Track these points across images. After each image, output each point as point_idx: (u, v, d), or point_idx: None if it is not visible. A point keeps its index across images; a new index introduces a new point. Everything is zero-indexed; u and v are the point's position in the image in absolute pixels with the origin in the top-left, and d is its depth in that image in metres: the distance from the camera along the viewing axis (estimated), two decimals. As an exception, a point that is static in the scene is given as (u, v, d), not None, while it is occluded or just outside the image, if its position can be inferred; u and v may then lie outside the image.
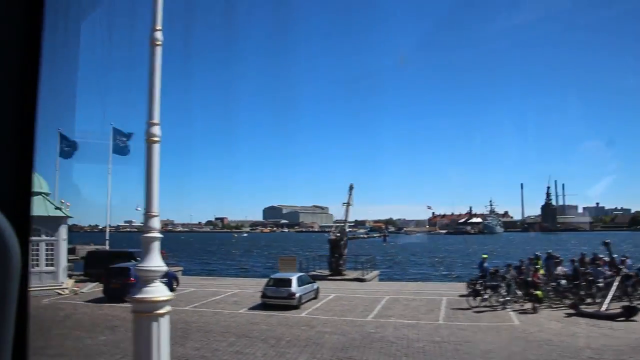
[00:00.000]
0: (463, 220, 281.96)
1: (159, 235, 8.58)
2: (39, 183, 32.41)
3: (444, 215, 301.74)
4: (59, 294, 27.20)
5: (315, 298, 24.92)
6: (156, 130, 8.44)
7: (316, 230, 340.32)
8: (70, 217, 30.18)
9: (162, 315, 8.37)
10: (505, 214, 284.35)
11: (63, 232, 28.64)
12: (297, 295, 22.94)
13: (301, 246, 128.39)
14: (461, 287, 25.57)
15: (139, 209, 36.73)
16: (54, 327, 18.18)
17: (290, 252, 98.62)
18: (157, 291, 8.38)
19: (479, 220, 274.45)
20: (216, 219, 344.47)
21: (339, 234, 37.62)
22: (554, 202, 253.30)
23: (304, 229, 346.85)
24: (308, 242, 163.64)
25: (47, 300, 24.74)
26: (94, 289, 28.71)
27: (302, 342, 16.47)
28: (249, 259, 79.29)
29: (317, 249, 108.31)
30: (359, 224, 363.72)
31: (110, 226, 41.51)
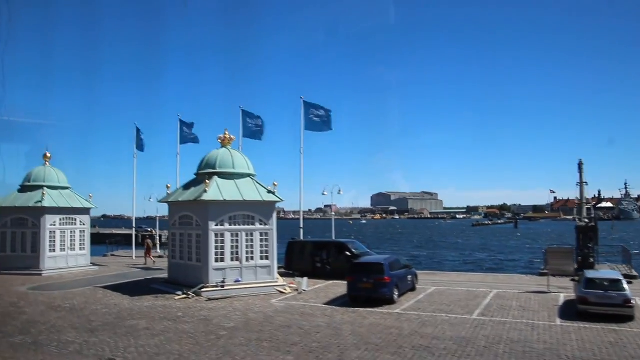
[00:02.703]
0: (591, 205, 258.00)
1: None
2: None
3: (567, 200, 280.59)
4: (282, 292, 22.01)
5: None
6: None
7: (428, 217, 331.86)
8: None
9: None
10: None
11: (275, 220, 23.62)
12: (633, 301, 16.21)
13: (442, 233, 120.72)
14: None
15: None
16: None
17: (445, 239, 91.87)
18: None
19: (609, 205, 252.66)
20: (325, 206, 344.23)
21: (587, 220, 30.09)
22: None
23: (415, 216, 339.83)
24: (440, 228, 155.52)
25: (276, 300, 19.63)
26: (313, 286, 23.38)
27: None
28: (423, 249, 72.66)
29: (507, 237, 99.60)
30: (471, 210, 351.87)
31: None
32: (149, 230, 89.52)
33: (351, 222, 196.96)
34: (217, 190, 21.58)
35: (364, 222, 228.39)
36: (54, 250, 29.15)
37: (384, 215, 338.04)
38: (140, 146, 38.56)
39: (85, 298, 21.02)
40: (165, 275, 27.50)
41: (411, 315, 16.99)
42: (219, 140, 24.13)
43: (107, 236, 58.40)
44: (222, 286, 21.21)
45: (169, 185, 24.47)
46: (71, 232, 30.11)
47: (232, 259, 21.71)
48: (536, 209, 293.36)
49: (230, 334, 14.79)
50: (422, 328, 15.16)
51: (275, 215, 23.04)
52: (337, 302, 19.72)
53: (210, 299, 20.35)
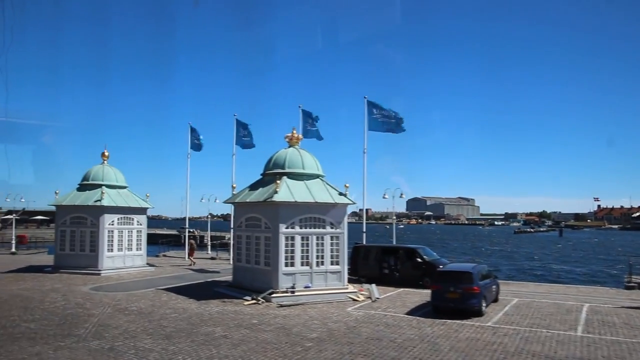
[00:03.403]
0: (638, 214, 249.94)
1: None
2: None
3: (612, 209, 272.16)
4: (354, 300, 20.82)
5: None
6: None
7: (465, 222, 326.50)
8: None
9: None
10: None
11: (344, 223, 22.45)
12: None
13: (485, 240, 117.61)
14: None
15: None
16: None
17: (505, 247, 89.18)
18: None
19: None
20: (360, 210, 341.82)
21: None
22: None
23: (451, 221, 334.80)
24: (480, 234, 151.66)
25: (352, 308, 18.42)
26: (384, 294, 22.07)
27: None
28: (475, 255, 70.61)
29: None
30: (509, 216, 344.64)
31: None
32: (192, 230, 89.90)
33: (388, 227, 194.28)
34: (287, 191, 20.56)
35: (401, 226, 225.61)
36: (111, 250, 28.63)
37: (420, 220, 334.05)
38: (195, 146, 37.85)
39: (150, 301, 20.23)
40: (223, 277, 26.74)
41: (507, 330, 15.56)
42: (286, 140, 23.12)
43: (158, 236, 58.18)
44: (292, 292, 20.16)
45: (234, 185, 23.58)
46: (128, 231, 29.58)
47: (302, 264, 20.59)
48: (578, 217, 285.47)
49: (318, 345, 13.66)
50: (527, 345, 13.77)
51: (346, 219, 21.84)
52: (418, 312, 18.41)
53: (281, 305, 19.31)
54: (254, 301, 19.67)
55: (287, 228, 20.38)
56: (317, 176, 22.26)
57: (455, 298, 17.43)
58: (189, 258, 35.30)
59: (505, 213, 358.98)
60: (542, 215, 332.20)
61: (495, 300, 20.14)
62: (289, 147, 23.00)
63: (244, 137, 34.62)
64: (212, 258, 39.24)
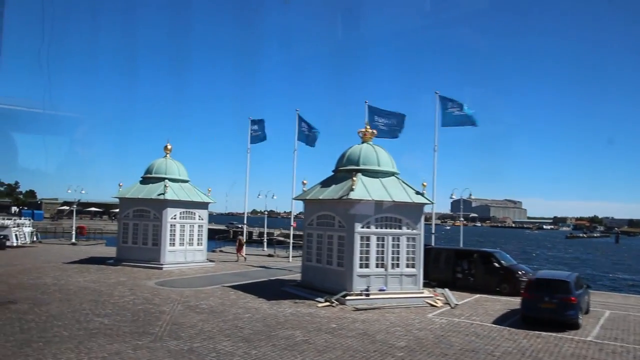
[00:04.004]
0: None
1: None
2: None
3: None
4: (432, 305, 19.62)
5: None
6: None
7: (512, 225, 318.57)
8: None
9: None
10: None
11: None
12: None
13: (536, 244, 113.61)
14: None
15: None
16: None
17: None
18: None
19: None
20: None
21: None
22: None
23: (497, 224, 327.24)
24: (530, 238, 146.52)
25: (433, 315, 17.18)
26: (460, 300, 20.77)
27: None
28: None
29: None
30: (558, 220, 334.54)
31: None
32: (240, 226, 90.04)
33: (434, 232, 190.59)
34: (363, 189, 19.51)
35: (447, 227, 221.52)
36: (173, 244, 28.23)
37: (465, 222, 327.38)
38: (256, 138, 37.13)
39: (219, 299, 19.55)
40: (287, 276, 25.98)
41: (615, 347, 14.13)
42: (360, 135, 22.06)
43: (213, 232, 58.17)
44: (367, 295, 19.11)
45: (305, 182, 22.64)
46: (190, 226, 29.12)
47: (376, 266, 19.51)
48: (632, 223, 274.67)
49: (410, 356, 12.64)
50: (646, 366, 12.27)
51: (423, 219, 20.63)
52: (505, 321, 17.09)
53: (357, 309, 18.30)
54: (327, 303, 18.72)
55: (362, 227, 19.36)
56: (392, 174, 21.15)
57: (551, 308, 16.01)
58: (237, 254, 34.47)
59: (554, 217, 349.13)
60: (594, 220, 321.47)
61: (587, 311, 18.57)
62: (362, 142, 21.93)
63: (305, 132, 33.70)
64: (270, 255, 38.57)
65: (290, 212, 39.05)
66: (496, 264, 23.04)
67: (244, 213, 40.31)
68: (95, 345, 12.49)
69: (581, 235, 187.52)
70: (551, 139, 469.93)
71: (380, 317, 17.32)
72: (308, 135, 33.23)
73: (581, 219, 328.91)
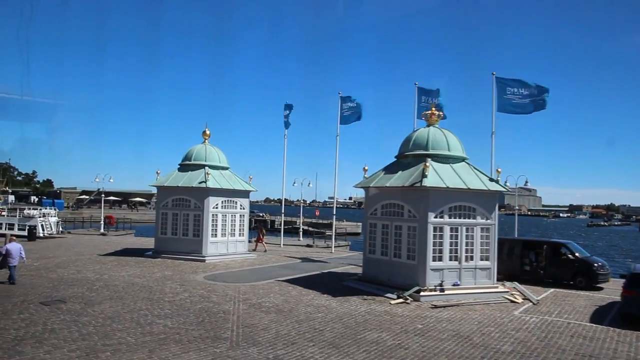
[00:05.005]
0: None
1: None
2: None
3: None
4: (512, 301, 18.03)
5: None
6: None
7: (527, 213, 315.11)
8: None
9: None
10: None
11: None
12: None
13: (559, 233, 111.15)
14: None
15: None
16: None
17: None
18: None
19: None
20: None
21: None
22: None
23: (512, 212, 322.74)
24: (550, 227, 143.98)
25: (519, 312, 15.57)
26: (535, 294, 19.10)
27: None
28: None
29: None
30: (574, 208, 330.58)
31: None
32: (261, 215, 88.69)
33: None
34: (436, 176, 17.87)
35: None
36: (215, 235, 26.77)
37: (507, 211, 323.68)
38: (286, 124, 35.44)
39: (280, 295, 18.10)
40: (337, 269, 24.54)
41: None
42: (424, 118, 20.37)
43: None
44: (442, 290, 17.50)
45: (366, 168, 21.00)
46: (232, 216, 27.63)
47: (450, 258, 17.91)
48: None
49: (530, 365, 10.95)
50: None
51: (497, 209, 18.95)
52: (602, 320, 15.60)
53: (435, 306, 16.72)
54: (400, 300, 17.17)
55: (435, 217, 17.73)
56: (462, 159, 19.48)
57: None
58: (257, 242, 32.83)
59: (570, 205, 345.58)
60: (610, 208, 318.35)
61: None
62: (427, 126, 20.23)
63: (346, 112, 32.00)
64: (308, 245, 37.06)
65: (305, 200, 37.50)
66: (570, 256, 21.36)
67: (260, 202, 38.71)
68: (169, 355, 11.02)
69: (602, 223, 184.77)
70: (563, 126, 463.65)
71: (464, 315, 15.79)
72: (352, 113, 31.57)
73: (597, 206, 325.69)
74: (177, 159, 28.74)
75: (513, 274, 21.85)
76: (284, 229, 38.95)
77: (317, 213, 72.96)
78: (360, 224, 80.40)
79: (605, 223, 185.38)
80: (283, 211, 39.11)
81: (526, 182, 29.47)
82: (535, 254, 22.29)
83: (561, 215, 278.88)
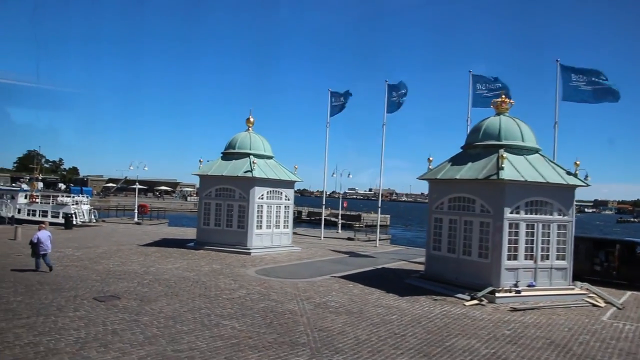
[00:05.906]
0: None
1: None
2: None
3: None
4: (594, 305, 16.74)
5: None
6: None
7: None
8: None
9: None
10: None
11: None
12: None
13: (587, 229, 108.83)
14: None
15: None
16: None
17: None
18: None
19: None
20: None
21: None
22: None
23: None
24: (578, 223, 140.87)
25: (607, 317, 14.29)
26: (617, 298, 17.74)
27: None
28: None
29: None
30: (599, 204, 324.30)
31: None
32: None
33: None
34: (512, 169, 16.56)
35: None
36: (260, 227, 25.73)
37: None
38: (334, 108, 34.24)
39: (343, 293, 17.04)
40: (386, 265, 23.42)
41: None
42: (493, 106, 19.03)
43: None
44: (518, 291, 16.25)
45: (430, 159, 19.72)
46: (277, 207, 26.59)
47: (525, 257, 16.63)
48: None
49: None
50: None
51: (574, 205, 17.57)
52: None
53: (514, 309, 15.49)
54: (475, 301, 15.93)
55: (511, 213, 16.45)
56: (536, 150, 18.14)
57: None
58: None
59: (595, 200, 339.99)
60: (637, 204, 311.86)
61: None
62: (497, 114, 18.88)
63: (394, 99, 30.83)
64: (350, 238, 35.95)
65: (324, 190, 36.34)
66: (652, 255, 19.92)
67: (323, 192, 37.54)
68: (250, 365, 9.94)
69: (632, 219, 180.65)
70: (584, 117, 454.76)
71: (549, 320, 14.57)
72: (399, 102, 30.44)
73: (623, 202, 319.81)
74: (204, 150, 27.88)
75: (582, 274, 20.47)
76: (310, 220, 38.03)
77: (345, 204, 71.93)
78: (389, 216, 79.28)
79: (635, 219, 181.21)
80: (324, 202, 37.82)
81: (586, 176, 27.80)
82: (606, 253, 20.86)
83: (586, 210, 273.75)
